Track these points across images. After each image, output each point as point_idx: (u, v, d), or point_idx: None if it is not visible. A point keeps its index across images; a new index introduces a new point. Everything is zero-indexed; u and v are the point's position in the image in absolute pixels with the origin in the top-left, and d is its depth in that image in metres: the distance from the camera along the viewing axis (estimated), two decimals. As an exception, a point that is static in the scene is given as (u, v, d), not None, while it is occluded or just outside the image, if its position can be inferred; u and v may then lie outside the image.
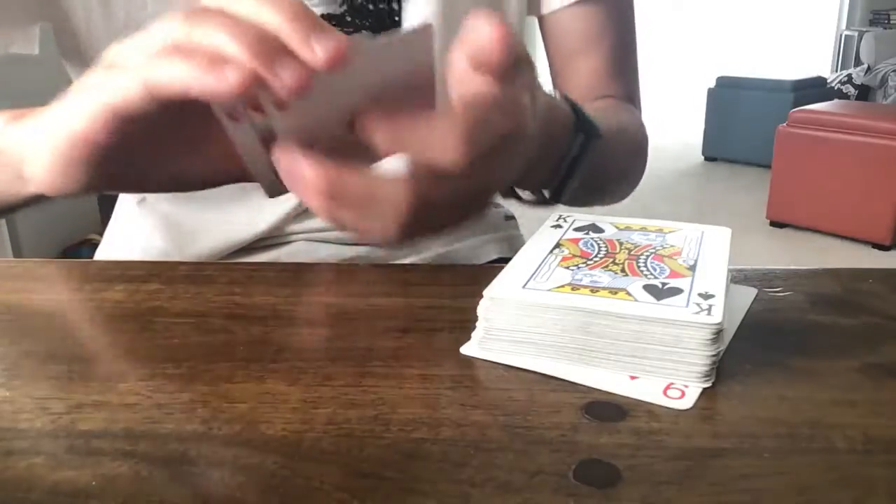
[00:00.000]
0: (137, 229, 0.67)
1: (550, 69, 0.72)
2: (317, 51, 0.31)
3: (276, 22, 0.31)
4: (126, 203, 0.70)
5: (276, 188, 0.41)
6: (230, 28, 0.31)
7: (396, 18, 0.61)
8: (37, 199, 0.41)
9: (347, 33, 0.59)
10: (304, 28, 0.31)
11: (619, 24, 0.70)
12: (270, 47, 0.31)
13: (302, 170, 0.35)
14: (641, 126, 0.71)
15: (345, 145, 0.38)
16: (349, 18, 0.59)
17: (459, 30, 0.65)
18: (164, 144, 0.37)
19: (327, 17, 0.58)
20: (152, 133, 0.36)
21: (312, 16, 0.32)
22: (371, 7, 0.60)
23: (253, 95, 0.33)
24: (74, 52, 0.57)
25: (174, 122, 0.36)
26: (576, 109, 0.48)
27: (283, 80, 0.31)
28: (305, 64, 0.31)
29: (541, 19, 0.71)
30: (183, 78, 0.31)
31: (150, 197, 0.66)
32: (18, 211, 0.45)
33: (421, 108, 0.37)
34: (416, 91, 0.37)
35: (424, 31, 0.35)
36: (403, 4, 0.61)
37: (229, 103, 0.34)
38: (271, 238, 0.63)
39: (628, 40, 0.72)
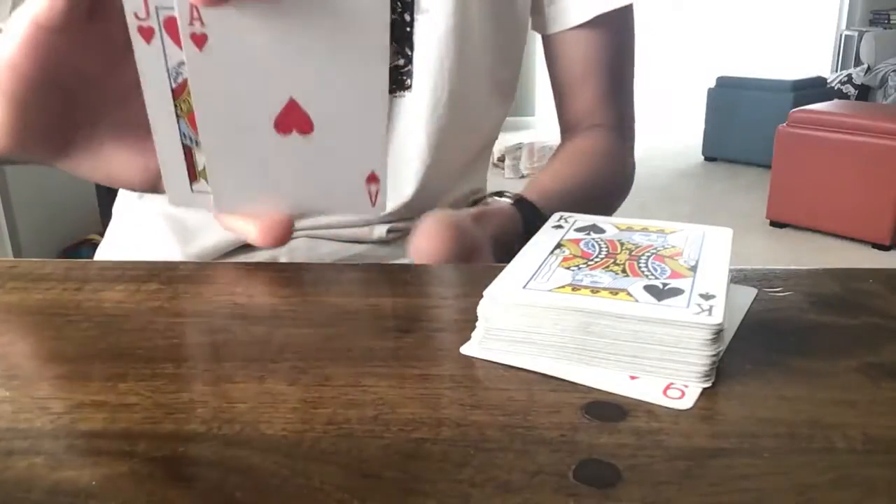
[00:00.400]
0: (139, 225, 0.67)
1: (553, 90, 0.75)
2: None
3: None
4: (126, 199, 0.70)
5: (177, 181, 0.37)
6: None
7: (408, 29, 0.61)
8: None
9: None
10: None
11: (618, 48, 0.72)
12: None
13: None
14: (613, 161, 0.73)
15: None
16: None
17: (472, 44, 0.66)
18: (90, 108, 0.38)
19: None
20: (76, 78, 0.36)
21: None
22: None
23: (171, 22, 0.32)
24: None
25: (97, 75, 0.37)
26: (524, 210, 0.56)
27: None
28: None
29: (545, 40, 0.72)
30: None
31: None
32: None
33: (366, 85, 0.35)
34: (361, 68, 0.34)
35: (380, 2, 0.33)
36: (416, 16, 0.61)
37: (142, 7, 0.32)
38: None
39: (625, 65, 0.74)
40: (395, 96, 0.62)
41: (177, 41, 0.33)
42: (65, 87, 0.37)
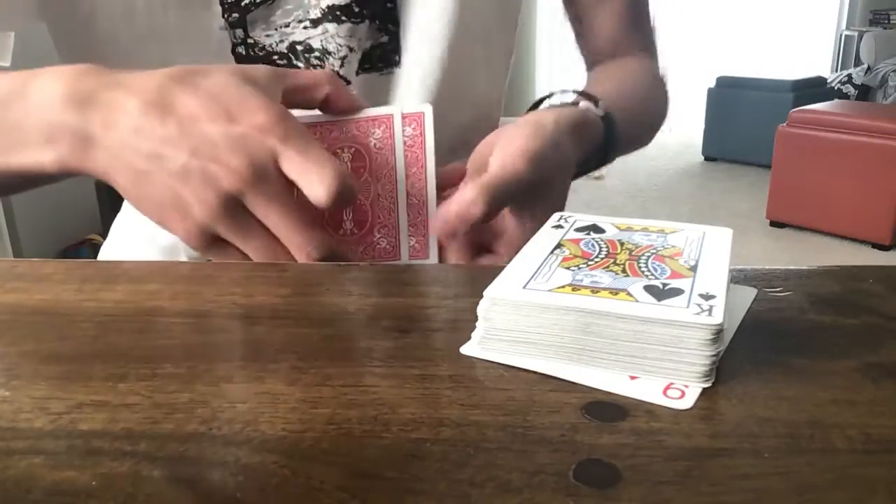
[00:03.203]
0: (144, 221, 0.67)
1: (570, 23, 0.74)
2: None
3: None
4: None
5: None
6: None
7: (389, 5, 0.61)
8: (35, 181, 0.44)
9: (354, 24, 0.59)
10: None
11: None
12: None
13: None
14: (658, 82, 0.73)
15: None
16: (356, 9, 0.59)
17: (460, 12, 0.67)
18: None
19: (334, 8, 0.58)
20: None
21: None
22: None
23: None
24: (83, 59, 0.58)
25: None
26: (604, 117, 0.56)
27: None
28: None
29: None
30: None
31: None
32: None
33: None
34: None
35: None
36: None
37: None
38: None
39: None
40: (384, 73, 0.62)
41: None
42: None
